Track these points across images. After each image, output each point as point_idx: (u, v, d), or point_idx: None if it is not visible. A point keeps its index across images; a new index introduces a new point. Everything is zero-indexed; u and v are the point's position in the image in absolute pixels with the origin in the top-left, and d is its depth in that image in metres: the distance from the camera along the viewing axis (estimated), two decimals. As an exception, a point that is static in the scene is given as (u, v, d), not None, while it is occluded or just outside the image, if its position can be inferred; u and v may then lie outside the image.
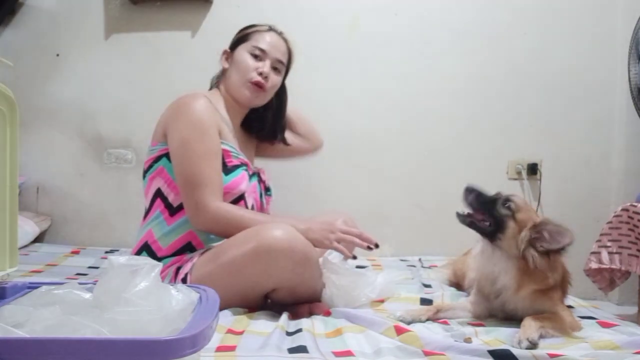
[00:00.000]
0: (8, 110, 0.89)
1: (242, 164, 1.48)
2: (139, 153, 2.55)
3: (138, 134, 2.54)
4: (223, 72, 1.57)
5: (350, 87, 2.49)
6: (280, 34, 1.57)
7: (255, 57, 1.50)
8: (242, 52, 1.52)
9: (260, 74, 1.49)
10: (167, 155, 1.44)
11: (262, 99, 1.56)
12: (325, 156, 2.48)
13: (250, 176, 1.52)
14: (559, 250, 1.20)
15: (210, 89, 1.61)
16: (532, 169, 2.43)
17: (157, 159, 1.47)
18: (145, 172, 1.50)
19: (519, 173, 2.45)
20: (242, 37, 1.55)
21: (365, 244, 1.37)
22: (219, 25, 2.49)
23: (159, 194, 1.45)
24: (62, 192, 2.55)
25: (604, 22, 2.40)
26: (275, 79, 1.54)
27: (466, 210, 1.29)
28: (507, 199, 1.26)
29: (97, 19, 2.54)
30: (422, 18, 2.48)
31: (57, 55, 2.55)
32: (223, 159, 1.43)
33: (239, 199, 1.43)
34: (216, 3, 2.51)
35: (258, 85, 1.50)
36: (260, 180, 1.59)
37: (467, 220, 1.28)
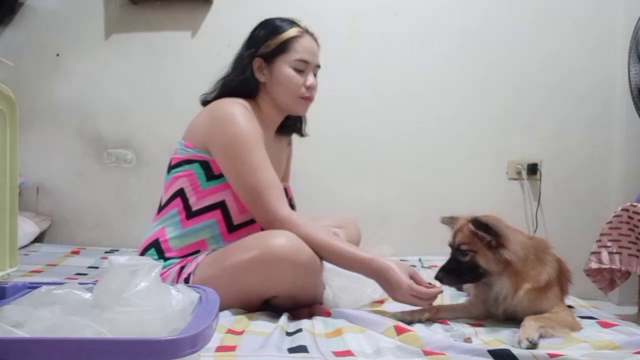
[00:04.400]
0: (8, 110, 0.89)
1: None
2: (139, 153, 2.55)
3: (138, 134, 2.54)
4: (257, 84, 1.49)
5: (351, 87, 2.49)
6: (312, 35, 1.51)
7: (299, 69, 1.46)
8: (285, 67, 1.45)
9: (309, 87, 1.48)
10: (201, 162, 1.41)
11: (309, 107, 1.56)
12: (325, 156, 2.49)
13: None
14: (497, 236, 1.22)
15: (222, 94, 1.50)
16: (532, 169, 2.43)
17: (189, 162, 1.42)
18: (172, 167, 1.46)
19: (519, 173, 2.45)
20: (279, 49, 1.45)
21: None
22: (219, 25, 2.50)
23: (180, 193, 1.42)
24: (62, 192, 2.55)
25: (604, 22, 2.40)
26: (317, 84, 1.53)
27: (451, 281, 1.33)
28: (457, 247, 1.27)
29: (97, 19, 2.54)
30: (422, 18, 2.48)
31: (57, 55, 2.56)
32: None
33: None
34: (216, 3, 2.51)
35: (308, 98, 1.50)
36: (286, 196, 1.58)
37: (460, 284, 1.37)
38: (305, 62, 1.47)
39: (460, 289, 1.63)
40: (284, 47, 1.46)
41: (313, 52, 1.49)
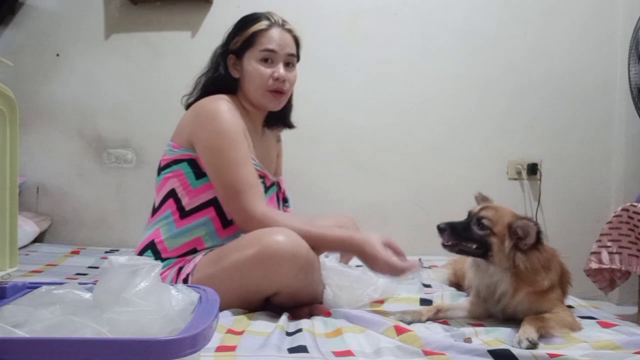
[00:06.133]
0: (8, 110, 0.89)
1: (260, 176, 1.45)
2: (139, 153, 2.55)
3: (138, 134, 2.54)
4: (232, 79, 1.48)
5: (350, 87, 2.49)
6: (282, 25, 1.47)
7: (266, 60, 1.43)
8: (251, 61, 1.44)
9: (277, 79, 1.44)
10: (188, 160, 1.41)
11: (284, 101, 1.52)
12: (326, 156, 2.49)
13: (269, 187, 1.51)
14: (538, 241, 1.21)
15: (203, 95, 1.50)
16: (532, 169, 2.43)
17: (177, 162, 1.43)
18: (161, 169, 1.46)
19: (519, 173, 2.45)
20: (245, 43, 1.44)
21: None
22: (219, 25, 2.44)
23: (172, 194, 1.43)
24: (62, 192, 2.55)
25: (604, 22, 2.40)
26: (291, 76, 1.49)
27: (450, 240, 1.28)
28: (479, 218, 1.25)
29: (97, 19, 2.55)
30: (422, 18, 2.48)
31: (57, 55, 2.56)
32: None
33: None
34: (216, 3, 2.51)
35: (278, 92, 1.46)
36: (279, 190, 1.59)
37: (455, 249, 1.28)
38: (271, 51, 1.43)
39: (460, 288, 1.64)
40: (250, 40, 1.45)
41: (280, 42, 1.45)
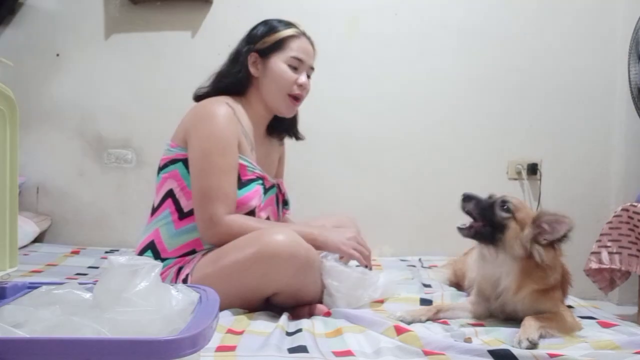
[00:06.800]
0: (8, 110, 0.89)
1: (258, 178, 1.46)
2: (139, 153, 2.55)
3: (138, 134, 2.54)
4: (249, 78, 1.50)
5: (350, 87, 2.49)
6: (308, 38, 1.54)
7: (292, 66, 1.48)
8: (279, 63, 1.47)
9: (300, 85, 1.49)
10: (183, 160, 1.42)
11: (297, 108, 1.57)
12: (326, 156, 2.49)
13: (268, 189, 1.51)
14: (562, 239, 1.21)
15: (215, 89, 1.52)
16: (532, 169, 2.43)
17: (174, 161, 1.44)
18: (160, 169, 1.48)
19: (519, 173, 2.45)
20: (275, 45, 1.48)
21: (365, 264, 1.44)
22: (219, 25, 2.50)
23: (170, 194, 1.43)
24: (62, 192, 2.55)
25: (604, 22, 2.40)
26: (309, 86, 1.54)
27: (466, 222, 1.28)
28: (504, 201, 1.25)
29: (97, 19, 2.54)
30: (422, 18, 2.48)
31: (57, 55, 2.56)
32: (237, 173, 1.41)
33: (250, 214, 1.42)
34: (216, 3, 2.51)
35: (297, 98, 1.51)
36: (280, 192, 1.59)
37: (471, 233, 1.27)
38: (300, 60, 1.49)
39: (460, 288, 1.64)
40: (280, 44, 1.48)
41: (308, 52, 1.52)
